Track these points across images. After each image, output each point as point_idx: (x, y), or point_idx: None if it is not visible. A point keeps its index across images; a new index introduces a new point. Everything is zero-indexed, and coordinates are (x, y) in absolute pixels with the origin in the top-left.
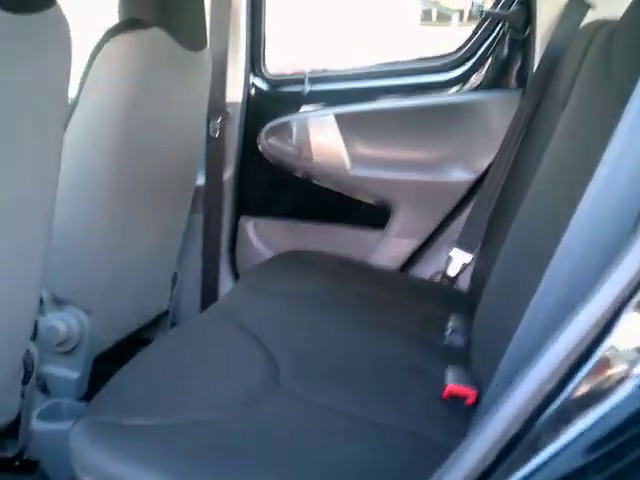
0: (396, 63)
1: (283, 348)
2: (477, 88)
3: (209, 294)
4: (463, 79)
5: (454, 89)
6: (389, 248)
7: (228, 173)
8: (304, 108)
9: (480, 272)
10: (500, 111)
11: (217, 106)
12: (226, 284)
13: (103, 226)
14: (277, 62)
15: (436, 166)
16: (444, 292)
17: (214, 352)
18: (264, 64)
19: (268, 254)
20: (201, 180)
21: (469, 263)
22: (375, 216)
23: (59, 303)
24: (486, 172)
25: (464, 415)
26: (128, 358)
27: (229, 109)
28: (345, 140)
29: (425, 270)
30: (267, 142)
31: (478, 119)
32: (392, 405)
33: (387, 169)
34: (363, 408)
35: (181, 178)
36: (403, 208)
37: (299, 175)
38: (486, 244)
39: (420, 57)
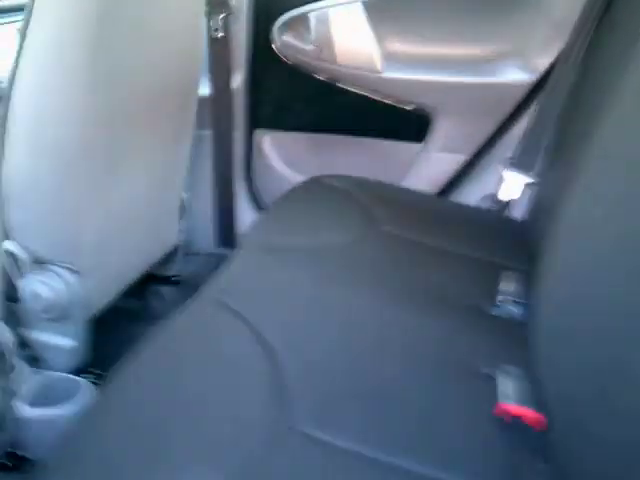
0: None
1: (295, 353)
2: None
3: (224, 220)
4: None
5: None
6: (429, 165)
7: (238, 79)
8: None
9: (542, 201)
10: None
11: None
12: (243, 210)
13: (81, 162)
14: None
15: (486, 64)
16: (495, 226)
17: (208, 377)
18: None
19: (287, 173)
20: (205, 89)
21: (527, 187)
22: (412, 126)
23: (40, 263)
24: (549, 71)
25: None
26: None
27: (233, 1)
28: (376, 34)
29: (472, 193)
30: (281, 40)
31: (540, 2)
32: (432, 446)
33: (427, 69)
34: (394, 451)
35: (180, 89)
36: (446, 117)
37: (321, 78)
38: (551, 164)
39: None
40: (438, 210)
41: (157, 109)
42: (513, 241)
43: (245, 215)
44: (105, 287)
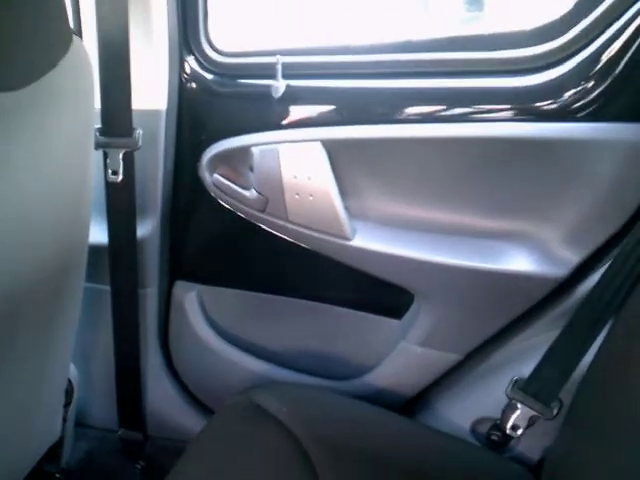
0: (433, 45)
1: None
2: (597, 114)
3: (127, 396)
4: (567, 93)
5: (544, 106)
6: (405, 359)
7: (148, 225)
8: (273, 121)
9: (560, 448)
10: (631, 158)
11: (118, 128)
12: (153, 383)
13: None
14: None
15: (491, 243)
16: (493, 472)
17: None
18: (206, 34)
19: (214, 341)
20: (100, 237)
21: (535, 421)
22: (388, 297)
23: None
24: (587, 266)
25: None
26: None
27: (139, 129)
28: (341, 185)
29: (461, 410)
30: (213, 178)
31: (585, 169)
32: None
33: (412, 242)
34: None
35: (60, 251)
36: (433, 303)
37: (267, 228)
38: (578, 406)
39: (476, 35)
40: (411, 449)
41: (26, 298)
42: None
43: (157, 389)
44: None
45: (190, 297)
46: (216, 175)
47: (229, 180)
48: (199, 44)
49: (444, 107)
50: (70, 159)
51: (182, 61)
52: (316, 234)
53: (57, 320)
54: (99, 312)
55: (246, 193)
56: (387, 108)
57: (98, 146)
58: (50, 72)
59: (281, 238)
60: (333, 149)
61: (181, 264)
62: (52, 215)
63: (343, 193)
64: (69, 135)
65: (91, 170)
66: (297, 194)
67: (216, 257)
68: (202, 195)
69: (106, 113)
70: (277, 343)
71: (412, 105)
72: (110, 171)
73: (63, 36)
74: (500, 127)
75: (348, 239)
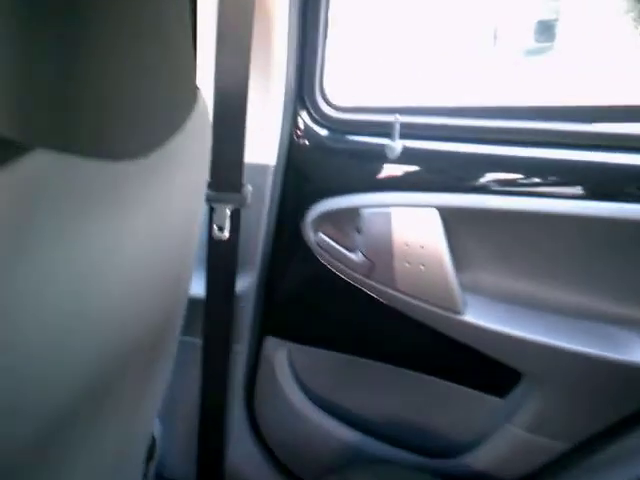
0: (559, 115)
1: None
2: None
3: (210, 451)
4: None
5: None
6: (509, 444)
7: (246, 281)
8: (386, 182)
9: None
10: None
11: (227, 183)
12: (236, 440)
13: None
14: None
15: (618, 334)
16: None
17: None
18: (321, 88)
19: (302, 405)
20: (197, 289)
21: None
22: (492, 373)
23: None
24: None
25: None
26: None
27: (249, 186)
28: (455, 256)
29: None
30: (317, 237)
31: None
32: None
33: (526, 321)
34: None
35: (161, 313)
36: (545, 387)
37: (371, 293)
38: None
39: (606, 107)
40: None
41: (124, 373)
42: None
43: (239, 448)
44: None
45: (280, 355)
46: (320, 234)
47: (334, 240)
48: (313, 98)
49: (571, 181)
50: (182, 216)
51: (295, 115)
52: (425, 305)
53: (151, 375)
54: (186, 365)
55: (351, 255)
56: (510, 178)
57: (206, 200)
58: (175, 135)
59: (384, 303)
60: (449, 217)
61: (273, 320)
62: (158, 272)
63: (456, 264)
64: (185, 194)
65: (199, 225)
66: (407, 262)
67: (312, 316)
68: (303, 253)
69: (217, 167)
70: (370, 412)
71: (538, 176)
72: (216, 227)
73: (190, 94)
74: (629, 208)
75: (459, 313)
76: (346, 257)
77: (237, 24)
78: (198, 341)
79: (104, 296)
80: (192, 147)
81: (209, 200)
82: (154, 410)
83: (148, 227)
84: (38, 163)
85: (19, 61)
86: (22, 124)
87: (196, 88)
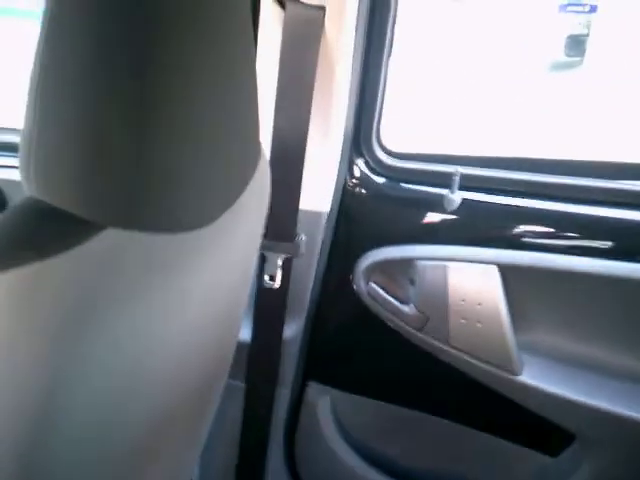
0: (628, 173)
1: None
2: None
3: None
4: None
5: None
6: None
7: (292, 327)
8: (443, 235)
9: None
10: None
11: (280, 232)
12: None
13: None
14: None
15: None
16: None
17: None
18: (378, 135)
19: (345, 453)
20: (245, 333)
21: None
22: (542, 432)
23: None
24: None
25: None
26: None
27: (302, 235)
28: (513, 314)
29: None
30: (369, 286)
31: None
32: None
33: (585, 385)
34: None
35: (213, 361)
36: (599, 452)
37: (421, 346)
38: None
39: None
40: None
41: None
42: None
43: None
44: None
45: (323, 401)
46: (372, 284)
47: (385, 291)
48: (370, 145)
49: (636, 244)
50: (239, 269)
51: (350, 162)
52: (479, 363)
53: (198, 422)
54: (227, 408)
55: (403, 307)
56: (575, 236)
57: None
58: (241, 196)
59: (434, 356)
60: (509, 274)
61: (317, 366)
62: (214, 326)
63: (514, 323)
64: (244, 249)
65: (252, 275)
66: (463, 318)
67: (358, 364)
68: (353, 301)
69: (271, 215)
70: (414, 464)
71: (603, 238)
72: (267, 276)
73: (255, 151)
74: None
75: (515, 374)
76: (398, 309)
77: (300, 72)
78: (239, 384)
79: (163, 358)
80: (253, 203)
81: (262, 248)
82: (197, 454)
83: (209, 286)
84: (109, 239)
85: (91, 146)
86: (96, 205)
87: (259, 143)
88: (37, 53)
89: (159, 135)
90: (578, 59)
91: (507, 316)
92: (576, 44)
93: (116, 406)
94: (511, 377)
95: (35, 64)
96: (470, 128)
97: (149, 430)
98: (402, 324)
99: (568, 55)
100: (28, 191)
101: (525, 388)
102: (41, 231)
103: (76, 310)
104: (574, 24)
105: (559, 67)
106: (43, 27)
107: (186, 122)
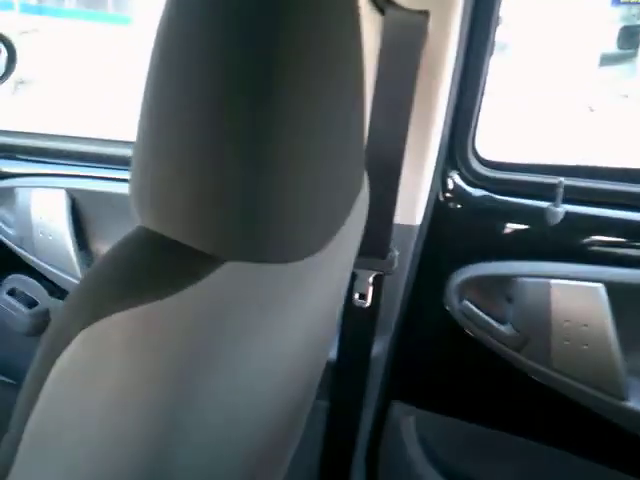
0: None
1: None
2: None
3: None
4: None
5: None
6: None
7: (379, 346)
8: (544, 250)
9: None
10: None
11: (373, 248)
12: None
13: None
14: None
15: None
16: None
17: None
18: (473, 146)
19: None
20: (330, 353)
21: None
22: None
23: None
24: None
25: None
26: None
27: (395, 251)
28: (621, 336)
29: None
30: (462, 304)
31: None
32: None
33: None
34: None
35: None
36: None
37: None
38: None
39: None
40: None
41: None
42: None
43: None
44: None
45: (407, 421)
46: (466, 301)
47: (480, 308)
48: (465, 156)
49: None
50: (336, 289)
51: (444, 174)
52: (583, 387)
53: (287, 440)
54: (309, 427)
55: (500, 327)
56: None
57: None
58: (346, 221)
59: (532, 378)
60: (617, 294)
61: (402, 384)
62: (311, 348)
63: (622, 345)
64: (342, 270)
65: (344, 295)
66: (567, 340)
67: (446, 383)
68: (443, 319)
69: (365, 231)
70: None
71: None
72: (357, 294)
73: (360, 174)
74: None
75: (622, 398)
76: (494, 328)
77: (399, 82)
78: (322, 403)
79: (267, 386)
80: (354, 224)
81: (354, 266)
82: (282, 476)
83: (310, 313)
84: (228, 273)
85: (207, 176)
86: (215, 237)
87: (364, 166)
88: (149, 78)
89: (275, 165)
90: (632, 51)
91: (616, 339)
92: (630, 36)
93: (226, 439)
94: (618, 402)
95: (147, 89)
96: (545, 132)
97: (249, 456)
98: (498, 344)
99: (621, 48)
100: (141, 222)
101: (632, 413)
102: (158, 267)
103: (193, 350)
104: (628, 15)
105: (611, 60)
106: (156, 54)
107: (300, 151)
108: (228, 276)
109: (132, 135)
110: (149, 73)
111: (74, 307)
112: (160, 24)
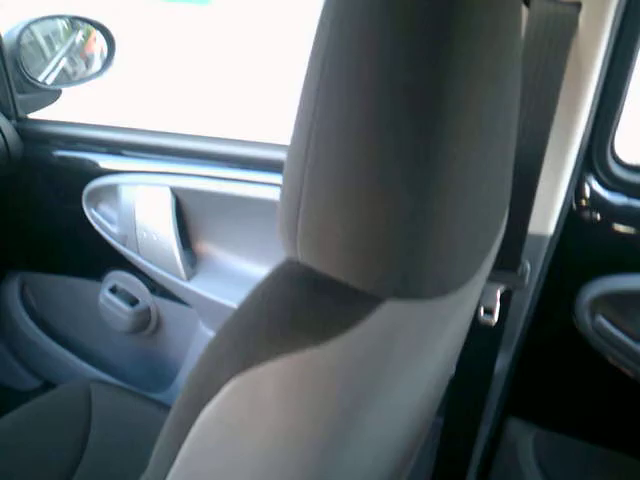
0: None
1: None
2: None
3: None
4: None
5: None
6: None
7: (502, 361)
8: None
9: None
10: None
11: (502, 260)
12: None
13: None
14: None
15: None
16: None
17: None
18: (612, 147)
19: None
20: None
21: None
22: None
23: None
24: None
25: None
26: None
27: (527, 264)
28: None
29: None
30: (595, 320)
31: None
32: None
33: None
34: None
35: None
36: None
37: None
38: None
39: None
40: None
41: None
42: None
43: None
44: None
45: (525, 440)
46: (600, 317)
47: (616, 326)
48: (604, 159)
49: None
50: (470, 311)
51: (580, 179)
52: None
53: (408, 460)
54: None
55: (638, 346)
56: None
57: None
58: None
59: None
60: None
61: (521, 401)
62: (439, 370)
63: None
64: (478, 291)
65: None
66: None
67: (570, 402)
68: (570, 334)
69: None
70: None
71: None
72: (482, 309)
73: (508, 186)
74: None
75: None
76: (631, 349)
77: (543, 81)
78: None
79: (407, 413)
80: (494, 247)
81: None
82: None
83: (452, 335)
84: (388, 312)
85: (368, 209)
86: (375, 275)
87: (510, 187)
88: (307, 91)
89: (438, 196)
90: None
91: None
92: None
93: (371, 469)
94: None
95: (304, 107)
96: None
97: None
98: (635, 365)
99: None
100: (292, 255)
101: None
102: (316, 309)
103: (357, 391)
104: None
105: None
106: (315, 72)
107: (462, 175)
108: (388, 316)
109: (231, 132)
110: (304, 95)
111: (224, 352)
112: (319, 42)
